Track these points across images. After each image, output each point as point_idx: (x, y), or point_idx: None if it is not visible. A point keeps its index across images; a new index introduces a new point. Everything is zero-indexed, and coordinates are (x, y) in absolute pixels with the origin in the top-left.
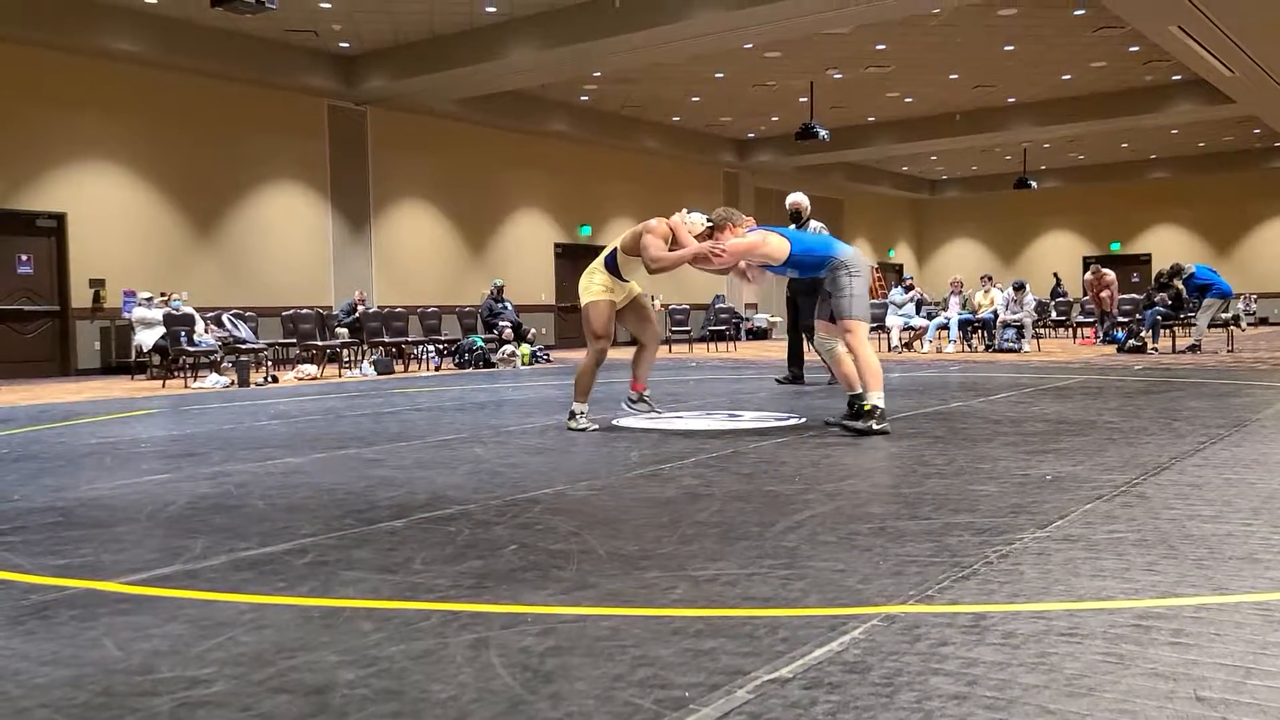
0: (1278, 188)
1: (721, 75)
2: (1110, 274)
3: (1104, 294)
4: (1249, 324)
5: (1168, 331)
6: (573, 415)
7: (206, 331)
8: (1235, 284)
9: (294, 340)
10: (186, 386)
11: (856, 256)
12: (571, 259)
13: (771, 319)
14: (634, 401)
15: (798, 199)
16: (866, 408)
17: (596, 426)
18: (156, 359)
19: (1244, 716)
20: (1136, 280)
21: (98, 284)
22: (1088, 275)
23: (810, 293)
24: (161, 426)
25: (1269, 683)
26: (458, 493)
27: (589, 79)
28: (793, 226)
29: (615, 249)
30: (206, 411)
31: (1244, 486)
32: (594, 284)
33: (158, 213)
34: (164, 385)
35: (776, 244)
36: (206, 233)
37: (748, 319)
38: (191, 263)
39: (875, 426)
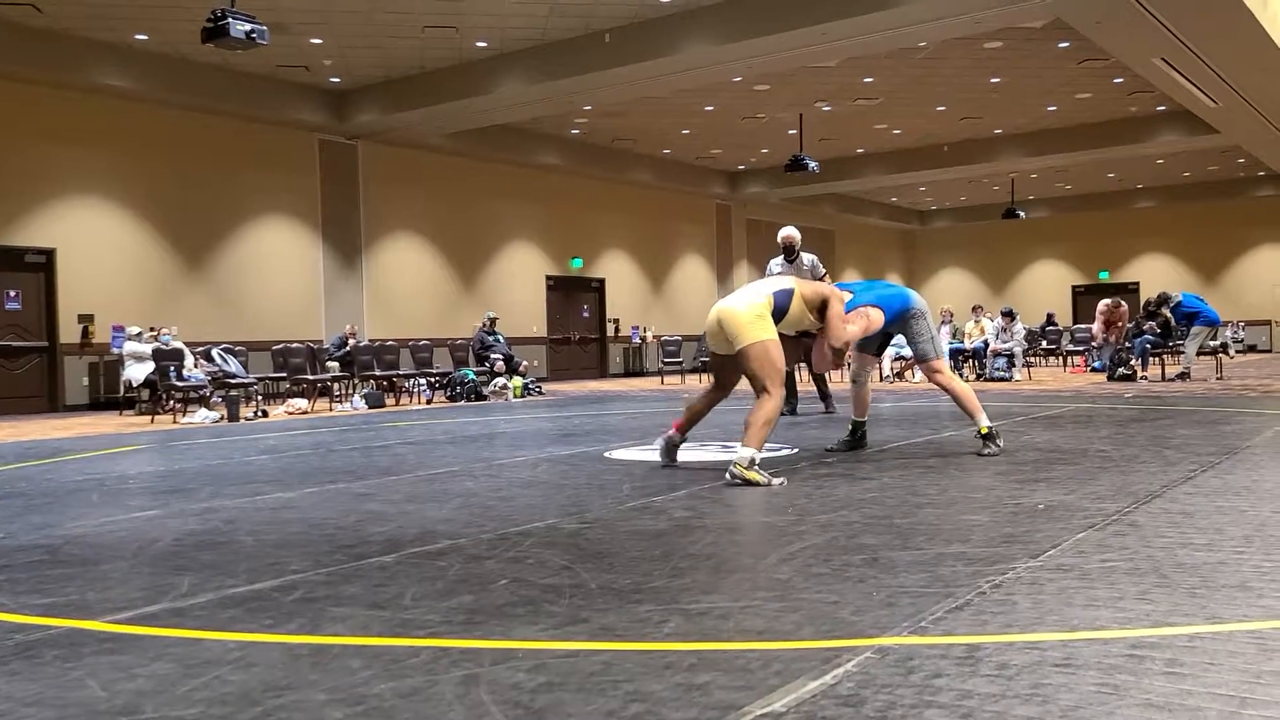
0: (1263, 216)
1: (711, 108)
2: (1125, 307)
3: (1118, 324)
4: (1237, 351)
5: (1157, 359)
6: (751, 464)
7: (196, 366)
8: (1222, 312)
9: (284, 374)
10: (175, 422)
11: (921, 300)
12: (563, 291)
13: None
14: (675, 445)
15: (790, 233)
16: (984, 431)
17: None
18: (145, 394)
19: None
20: (1125, 309)
21: (86, 319)
22: (1106, 304)
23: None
24: (149, 462)
25: (1264, 712)
26: (448, 527)
27: (580, 112)
28: (781, 258)
29: (792, 290)
30: (195, 447)
31: (1235, 514)
32: (762, 318)
33: (147, 248)
34: (153, 421)
35: (877, 317)
36: (196, 267)
37: None
38: (181, 297)
39: (1000, 444)
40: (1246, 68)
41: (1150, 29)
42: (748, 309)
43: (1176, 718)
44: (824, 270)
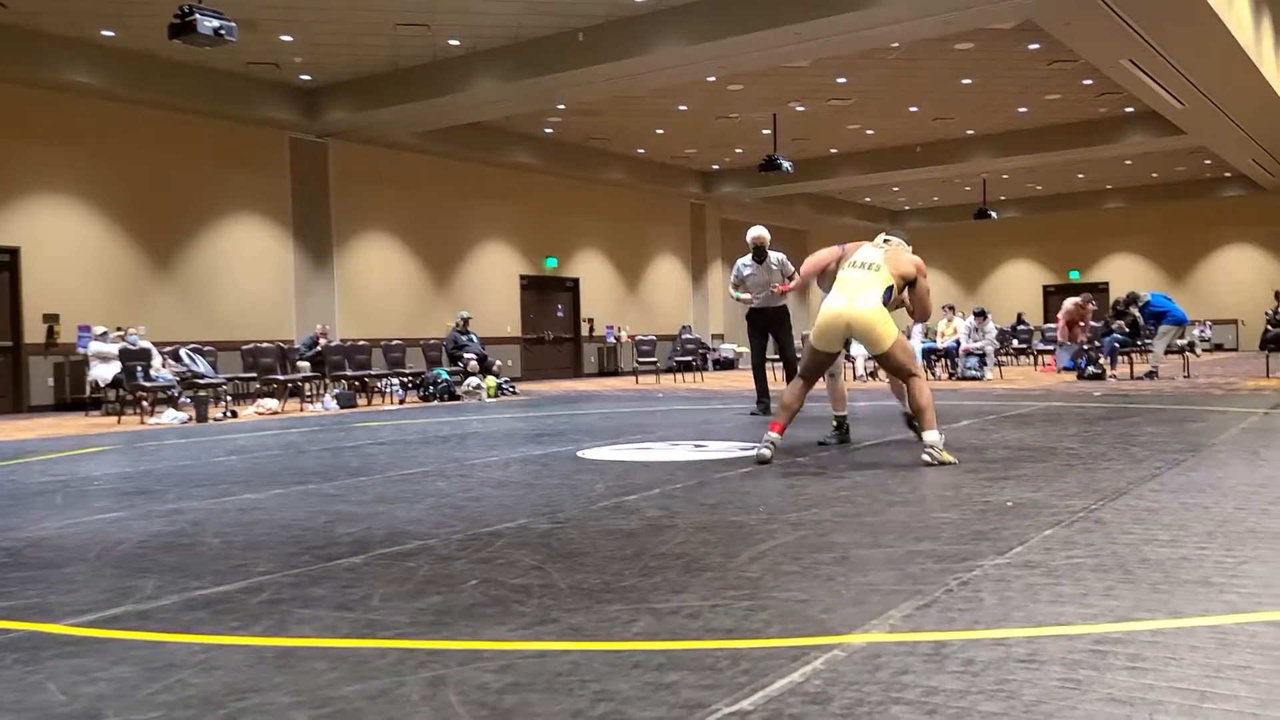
0: (1229, 216)
1: (685, 108)
2: (1093, 305)
3: (1080, 324)
4: (1204, 350)
5: (1125, 358)
6: (944, 446)
7: (164, 366)
8: (1190, 311)
9: (254, 374)
10: (143, 422)
11: None
12: (537, 291)
13: (738, 349)
14: (776, 444)
15: (759, 233)
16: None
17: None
18: (112, 394)
19: None
20: (1094, 308)
21: (51, 319)
22: (1073, 303)
23: (782, 326)
24: (115, 463)
25: (1224, 706)
26: (418, 528)
27: (553, 111)
28: (750, 258)
29: (891, 286)
30: (163, 448)
31: (1199, 511)
32: (889, 319)
33: (114, 246)
34: (120, 421)
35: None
36: (165, 266)
37: (714, 349)
38: (149, 296)
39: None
40: (1212, 69)
41: (1118, 30)
42: (879, 313)
43: (1138, 711)
44: (792, 269)
